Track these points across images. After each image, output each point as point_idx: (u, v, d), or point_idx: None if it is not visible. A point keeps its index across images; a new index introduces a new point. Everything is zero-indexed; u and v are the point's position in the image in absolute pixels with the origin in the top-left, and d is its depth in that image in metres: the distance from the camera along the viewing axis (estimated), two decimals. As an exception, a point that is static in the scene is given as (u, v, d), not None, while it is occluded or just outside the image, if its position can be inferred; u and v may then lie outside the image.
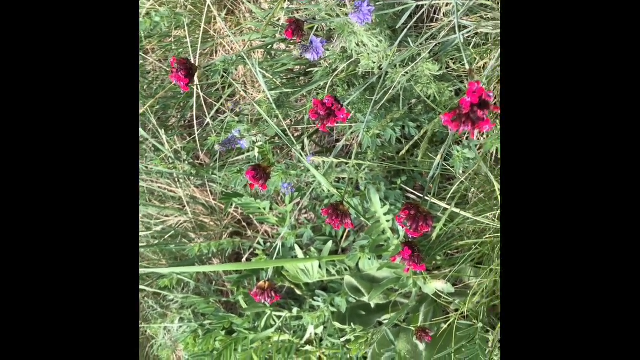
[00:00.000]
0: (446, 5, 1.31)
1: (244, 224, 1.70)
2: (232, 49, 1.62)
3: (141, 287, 1.65)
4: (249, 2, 1.55)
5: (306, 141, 1.32)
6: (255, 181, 0.94)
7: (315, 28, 1.32)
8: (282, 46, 1.48)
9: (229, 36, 1.56)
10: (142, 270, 1.60)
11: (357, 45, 1.16)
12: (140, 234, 1.76)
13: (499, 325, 1.05)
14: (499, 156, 0.99)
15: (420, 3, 1.03)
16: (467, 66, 0.73)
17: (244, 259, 1.59)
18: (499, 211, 1.15)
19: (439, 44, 1.21)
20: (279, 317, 1.34)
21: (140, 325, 1.79)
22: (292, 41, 1.05)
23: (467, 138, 1.25)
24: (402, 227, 0.81)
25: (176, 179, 1.67)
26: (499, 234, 1.17)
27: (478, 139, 1.30)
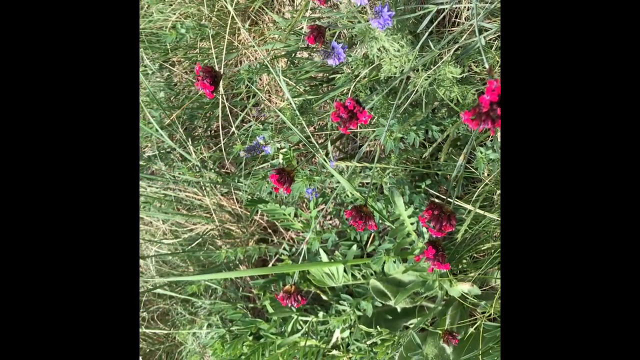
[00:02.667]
0: (467, 10, 1.31)
1: (269, 230, 1.72)
2: (256, 58, 1.65)
3: (170, 293, 1.68)
4: (272, 13, 1.58)
5: (330, 147, 1.34)
6: (279, 185, 0.95)
7: (337, 35, 1.34)
8: (305, 55, 1.50)
9: (253, 46, 1.59)
10: (171, 278, 1.63)
11: (379, 50, 1.17)
12: (169, 241, 1.79)
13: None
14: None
15: (441, 7, 1.04)
16: (486, 66, 0.73)
17: (270, 265, 1.60)
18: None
19: (460, 47, 1.22)
20: (305, 322, 1.35)
21: (169, 332, 1.82)
22: (314, 48, 1.07)
23: (490, 140, 1.25)
24: (426, 228, 0.82)
25: (203, 188, 1.70)
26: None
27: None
